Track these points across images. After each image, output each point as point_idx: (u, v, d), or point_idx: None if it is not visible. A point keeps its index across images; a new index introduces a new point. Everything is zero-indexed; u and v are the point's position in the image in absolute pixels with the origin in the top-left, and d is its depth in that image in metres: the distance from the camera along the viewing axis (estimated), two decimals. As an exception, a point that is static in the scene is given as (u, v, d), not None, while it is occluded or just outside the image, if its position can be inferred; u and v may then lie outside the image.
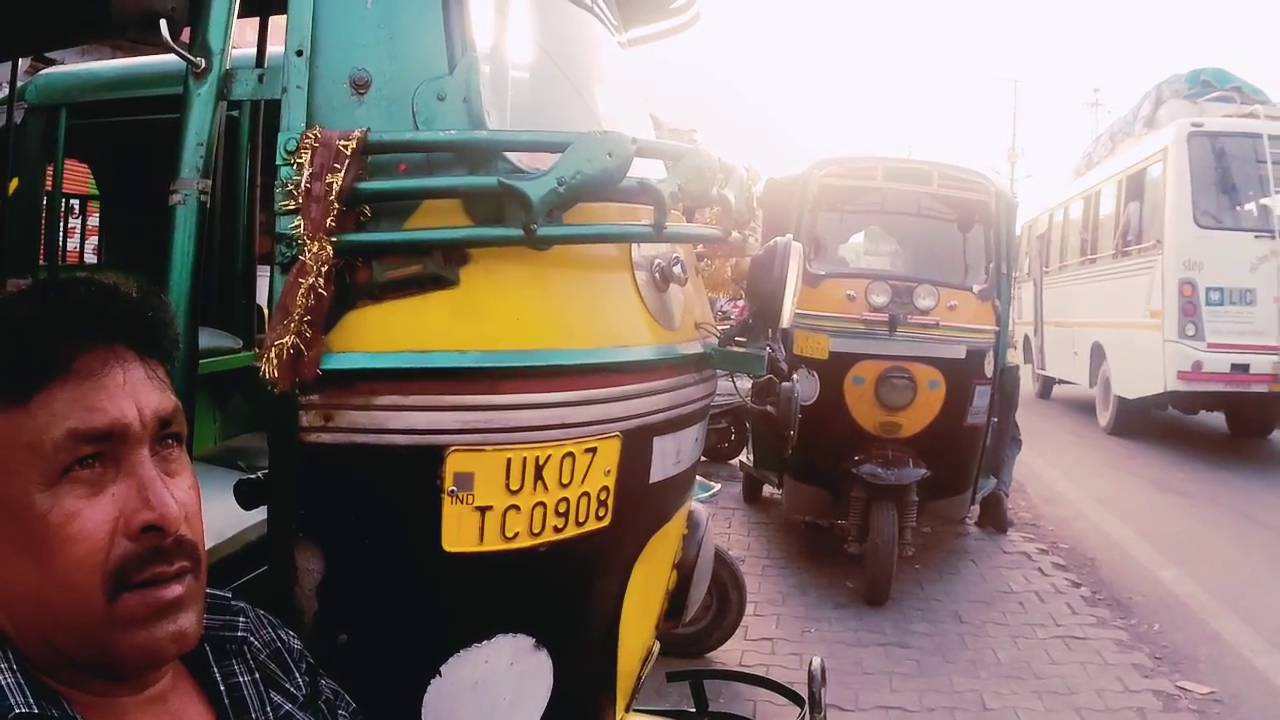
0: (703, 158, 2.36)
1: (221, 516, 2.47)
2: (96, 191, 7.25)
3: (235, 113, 4.08)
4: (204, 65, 2.23)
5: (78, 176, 7.60)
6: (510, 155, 2.20)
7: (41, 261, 5.54)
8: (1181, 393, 12.93)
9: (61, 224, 6.37)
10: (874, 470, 7.19)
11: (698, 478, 5.67)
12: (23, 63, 5.46)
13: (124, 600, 1.30)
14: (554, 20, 2.78)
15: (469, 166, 2.15)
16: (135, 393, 1.36)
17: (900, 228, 9.93)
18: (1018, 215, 8.80)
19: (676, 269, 2.56)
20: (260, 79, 2.28)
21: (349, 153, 2.00)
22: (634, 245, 2.46)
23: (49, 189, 5.19)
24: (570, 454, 2.24)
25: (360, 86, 2.14)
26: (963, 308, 7.46)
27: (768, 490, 9.53)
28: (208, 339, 3.70)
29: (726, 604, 6.06)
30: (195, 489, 1.44)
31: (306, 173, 2.00)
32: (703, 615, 6.04)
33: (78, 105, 5.15)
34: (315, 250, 1.96)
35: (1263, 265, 12.55)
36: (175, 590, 1.34)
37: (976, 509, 9.03)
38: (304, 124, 2.09)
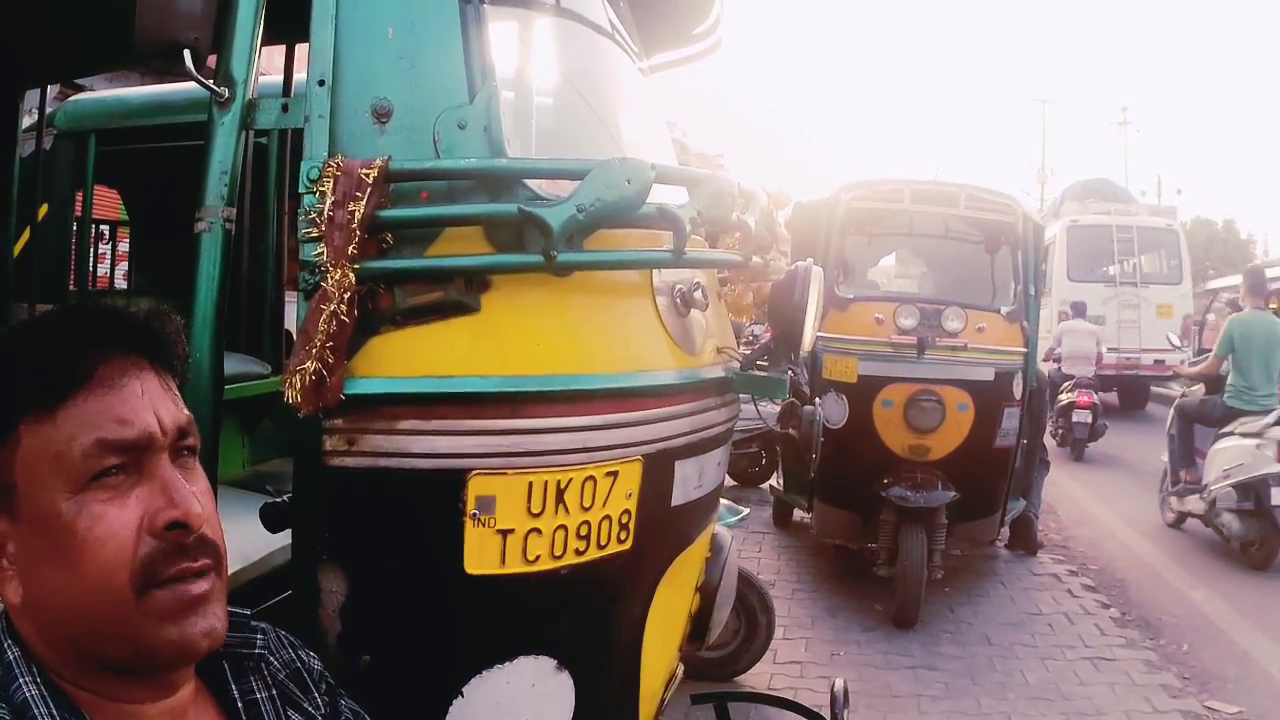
0: (722, 183, 2.38)
1: (249, 540, 2.50)
2: (127, 217, 7.29)
3: (264, 139, 4.11)
4: (228, 95, 2.26)
5: (108, 202, 7.66)
6: (530, 182, 2.22)
7: (72, 287, 5.60)
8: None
9: (91, 249, 6.43)
10: (903, 493, 7.19)
11: (726, 502, 5.69)
12: (50, 89, 5.53)
13: (154, 596, 1.33)
14: (575, 48, 2.79)
15: (490, 194, 2.17)
16: (155, 404, 1.40)
17: (928, 250, 9.92)
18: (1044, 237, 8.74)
19: (697, 294, 2.57)
20: (284, 108, 2.31)
21: (371, 181, 2.02)
22: (655, 271, 2.47)
23: (79, 215, 5.25)
24: (591, 477, 2.25)
25: (382, 116, 2.17)
26: (991, 329, 7.46)
27: (798, 514, 9.48)
28: (236, 364, 3.73)
29: (755, 627, 6.05)
30: (210, 496, 1.47)
31: (329, 201, 2.03)
32: (731, 639, 6.05)
33: (107, 131, 5.20)
34: (338, 277, 1.99)
35: (1109, 302, 19.77)
36: (202, 586, 1.38)
37: (1007, 531, 8.95)
38: (326, 153, 2.13)
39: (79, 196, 5.46)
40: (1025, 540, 9.28)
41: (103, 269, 8.29)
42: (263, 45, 2.35)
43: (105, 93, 5.84)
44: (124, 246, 8.11)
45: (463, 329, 2.14)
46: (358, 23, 2.21)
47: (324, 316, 1.98)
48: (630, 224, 2.25)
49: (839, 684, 3.43)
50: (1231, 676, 6.33)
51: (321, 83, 2.17)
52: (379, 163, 2.05)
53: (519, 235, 2.14)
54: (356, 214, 2.00)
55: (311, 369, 1.98)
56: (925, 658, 6.57)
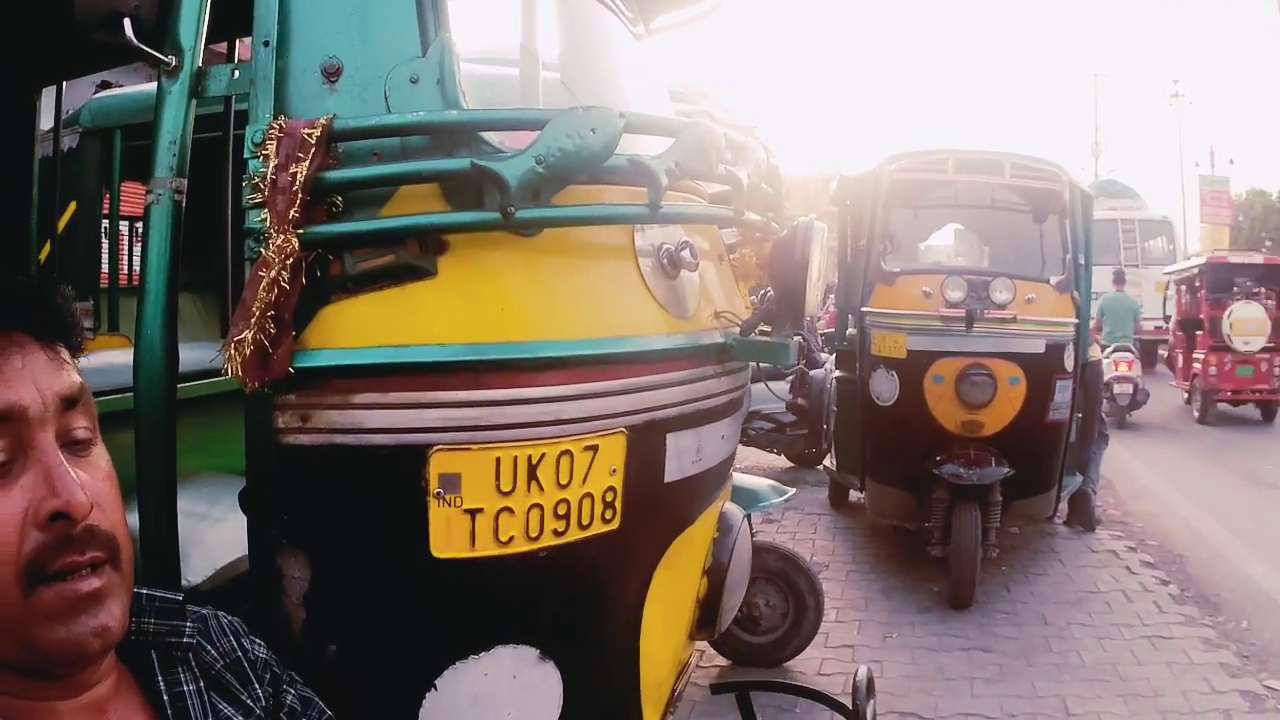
0: (704, 133, 2.23)
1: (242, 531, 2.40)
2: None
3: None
4: (175, 63, 2.16)
5: (142, 199, 7.64)
6: (491, 138, 2.09)
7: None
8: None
9: (123, 246, 6.40)
10: (956, 470, 7.10)
11: (771, 482, 5.57)
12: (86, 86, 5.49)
13: (41, 594, 1.27)
14: (557, 9, 2.66)
15: (445, 151, 2.04)
16: (35, 376, 1.33)
17: (974, 221, 9.80)
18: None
19: (685, 254, 2.41)
20: (234, 74, 2.20)
21: (314, 141, 1.91)
22: (637, 230, 2.34)
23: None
24: (567, 451, 2.12)
25: (331, 75, 2.06)
26: (1041, 301, 7.33)
27: (854, 495, 9.41)
28: None
29: (803, 611, 5.97)
30: (111, 479, 1.41)
31: (272, 164, 1.92)
32: (780, 623, 5.99)
33: (134, 128, 5.16)
34: (279, 243, 1.87)
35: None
36: (93, 583, 1.31)
37: (1065, 507, 8.89)
38: (271, 116, 2.01)
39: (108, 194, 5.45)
40: (1083, 516, 9.21)
41: (137, 265, 8.27)
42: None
43: (131, 89, 5.80)
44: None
45: (419, 295, 2.02)
46: None
47: (263, 284, 1.87)
48: (600, 179, 2.12)
49: (861, 673, 3.28)
50: (1290, 654, 6.18)
51: (266, 43, 2.06)
52: (323, 121, 1.94)
53: (478, 194, 2.01)
54: (298, 176, 1.89)
55: (250, 339, 1.86)
56: (980, 639, 6.49)
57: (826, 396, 2.66)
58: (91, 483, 1.34)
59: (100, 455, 1.41)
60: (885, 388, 7.32)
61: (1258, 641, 6.44)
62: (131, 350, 2.15)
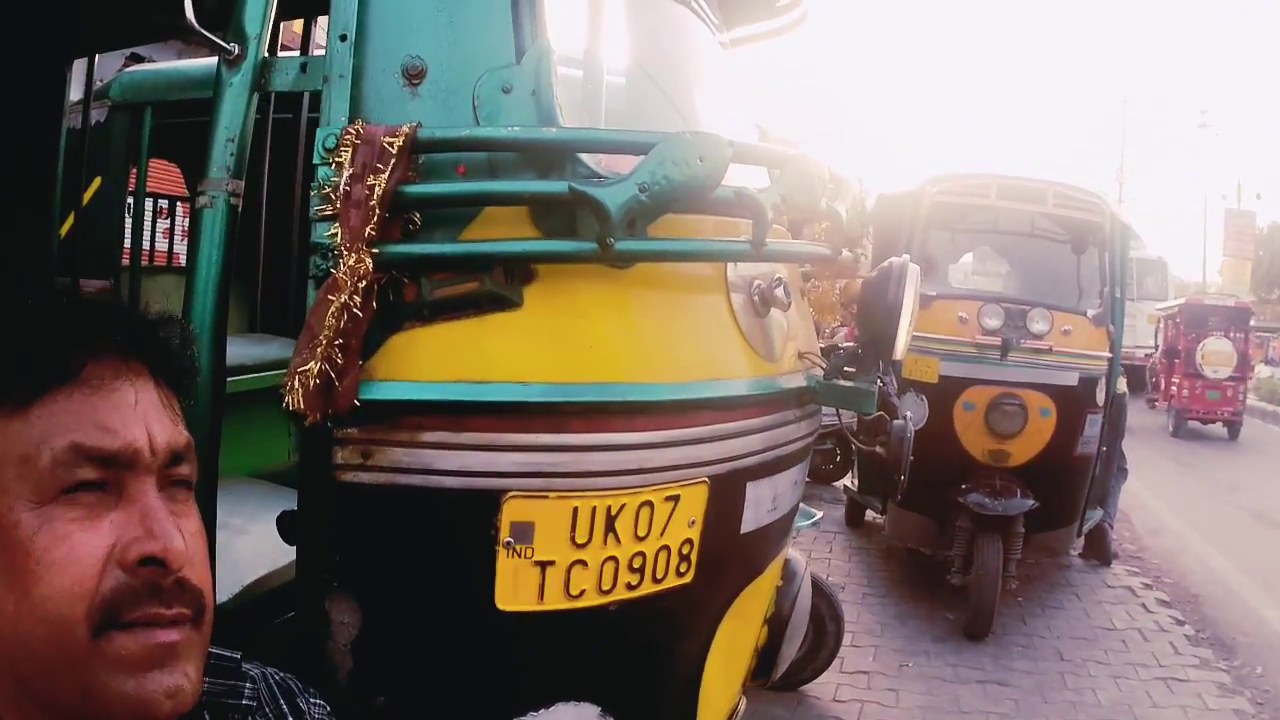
0: (811, 166, 2.08)
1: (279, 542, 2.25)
2: (190, 193, 7.13)
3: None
4: (237, 52, 2.01)
5: (171, 177, 7.49)
6: (587, 159, 1.94)
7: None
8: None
9: (149, 225, 6.28)
10: (981, 500, 6.95)
11: (800, 505, 5.44)
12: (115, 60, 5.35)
13: (112, 639, 1.14)
14: (644, 14, 2.52)
15: (538, 170, 1.90)
16: (148, 417, 1.22)
17: (1012, 248, 9.64)
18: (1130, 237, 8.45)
19: (779, 291, 2.27)
20: (303, 68, 2.05)
21: (394, 151, 1.76)
22: (730, 264, 2.19)
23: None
24: (648, 502, 1.99)
25: (414, 76, 1.92)
26: (1076, 333, 7.20)
27: (871, 515, 9.32)
28: (279, 349, 3.56)
29: (823, 636, 5.83)
30: (202, 536, 1.28)
31: (346, 173, 1.77)
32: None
33: (164, 104, 5.02)
34: (352, 263, 1.72)
35: None
36: (172, 636, 1.18)
37: (1081, 540, 8.76)
38: (346, 118, 1.87)
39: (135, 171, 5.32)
40: (1100, 550, 9.10)
41: (163, 244, 8.13)
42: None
43: (163, 65, 5.66)
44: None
45: (501, 327, 1.88)
46: None
47: (332, 309, 1.72)
48: (702, 209, 1.97)
49: None
50: (1305, 705, 6.18)
51: (344, 37, 1.92)
52: (405, 129, 1.78)
53: (571, 219, 1.87)
54: (377, 189, 1.73)
55: (315, 370, 1.71)
56: (996, 672, 6.38)
57: (906, 448, 2.53)
58: (187, 535, 1.22)
59: (194, 511, 1.28)
60: (914, 411, 7.10)
61: (1271, 689, 6.34)
62: None
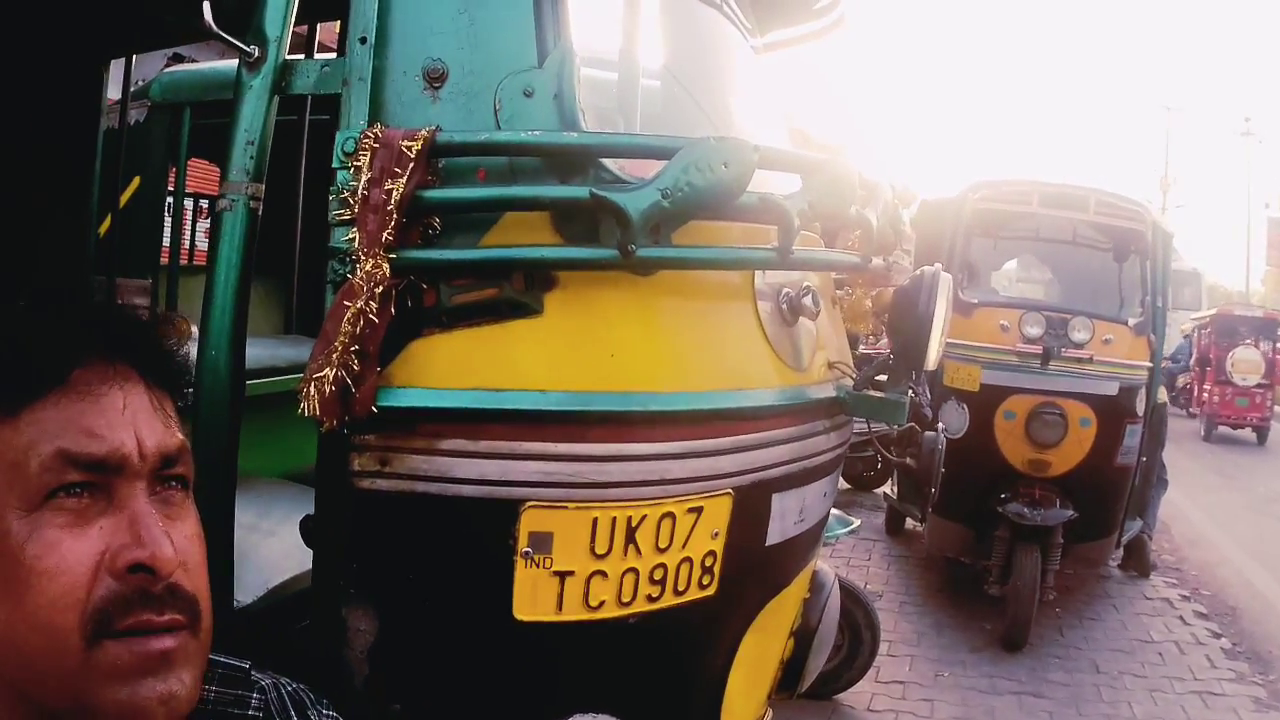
0: (840, 171, 2.04)
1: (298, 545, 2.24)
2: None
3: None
4: (257, 54, 1.99)
5: (211, 177, 7.54)
6: (610, 164, 1.90)
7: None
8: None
9: (189, 224, 6.31)
10: (1020, 510, 6.89)
11: (836, 512, 5.40)
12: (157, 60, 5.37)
13: (105, 647, 1.13)
14: (673, 17, 2.48)
15: (559, 175, 1.87)
16: (136, 421, 1.21)
17: (1053, 256, 9.55)
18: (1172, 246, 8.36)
19: (807, 300, 2.23)
20: (323, 70, 2.02)
21: (413, 155, 1.74)
22: (758, 272, 2.15)
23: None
24: (670, 514, 1.95)
25: (435, 79, 1.90)
26: (1118, 342, 7.13)
27: (910, 523, 9.27)
28: (302, 349, 3.50)
29: (859, 645, 5.80)
30: (199, 540, 1.27)
31: (364, 177, 1.75)
32: (834, 655, 5.74)
33: (204, 105, 5.03)
34: (368, 268, 1.69)
35: None
36: (166, 643, 1.17)
37: (1120, 550, 8.66)
38: (365, 121, 1.85)
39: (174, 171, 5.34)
40: (1139, 561, 9.01)
41: (204, 244, 8.19)
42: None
43: (203, 65, 5.68)
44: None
45: (521, 334, 1.85)
46: None
47: (348, 315, 1.69)
48: (727, 215, 1.92)
49: None
50: (1341, 721, 6.11)
51: (363, 40, 1.90)
52: (424, 133, 1.76)
53: (593, 225, 1.84)
54: (394, 193, 1.71)
55: (331, 376, 1.68)
56: (1032, 683, 6.31)
57: (937, 459, 2.50)
58: (179, 540, 1.21)
59: (190, 513, 1.27)
60: (954, 420, 7.12)
61: (1308, 706, 6.31)
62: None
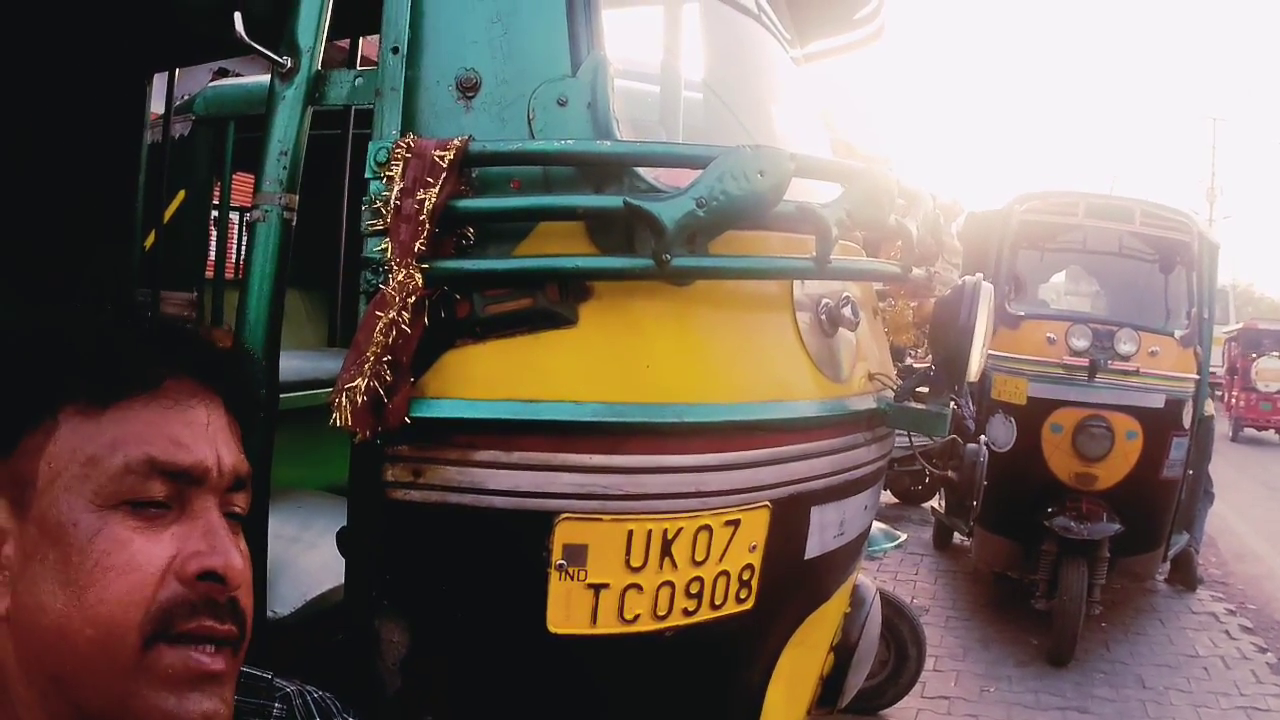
0: (879, 180, 2.01)
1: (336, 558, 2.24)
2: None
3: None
4: (290, 65, 1.99)
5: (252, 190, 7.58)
6: (646, 173, 1.89)
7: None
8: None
9: (231, 237, 6.35)
10: (1066, 524, 6.84)
11: (881, 526, 5.37)
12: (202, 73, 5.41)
13: (160, 651, 1.14)
14: (711, 27, 2.46)
15: (594, 184, 1.86)
16: (218, 440, 1.24)
17: (1100, 267, 9.50)
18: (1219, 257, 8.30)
19: (847, 310, 2.21)
20: (356, 81, 2.03)
21: (445, 164, 1.73)
22: (797, 282, 2.13)
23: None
24: (706, 527, 1.92)
25: (468, 89, 1.89)
26: (1164, 354, 7.08)
27: (958, 537, 9.23)
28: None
29: (904, 660, 5.77)
30: (250, 564, 1.26)
31: (397, 187, 1.74)
32: (879, 670, 5.76)
33: (249, 119, 5.06)
34: (401, 278, 1.68)
35: None
36: (218, 663, 1.18)
37: (1167, 564, 8.56)
38: (399, 132, 1.84)
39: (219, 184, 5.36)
40: (1185, 575, 8.95)
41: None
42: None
43: (247, 79, 5.71)
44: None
45: (556, 345, 1.84)
46: None
47: (380, 325, 1.68)
48: (764, 225, 1.91)
49: None
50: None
51: (395, 50, 1.89)
52: (456, 143, 1.75)
53: (628, 235, 1.82)
54: (427, 203, 1.70)
55: (363, 387, 1.67)
56: (1077, 699, 6.25)
57: (979, 472, 2.47)
58: (243, 558, 1.23)
59: (242, 539, 1.27)
60: (1002, 433, 7.11)
61: (1355, 722, 6.24)
62: None
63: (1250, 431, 23.62)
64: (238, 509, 1.27)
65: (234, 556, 1.19)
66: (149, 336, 1.26)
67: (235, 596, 1.20)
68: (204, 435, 1.22)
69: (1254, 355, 23.66)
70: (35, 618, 1.14)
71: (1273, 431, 23.64)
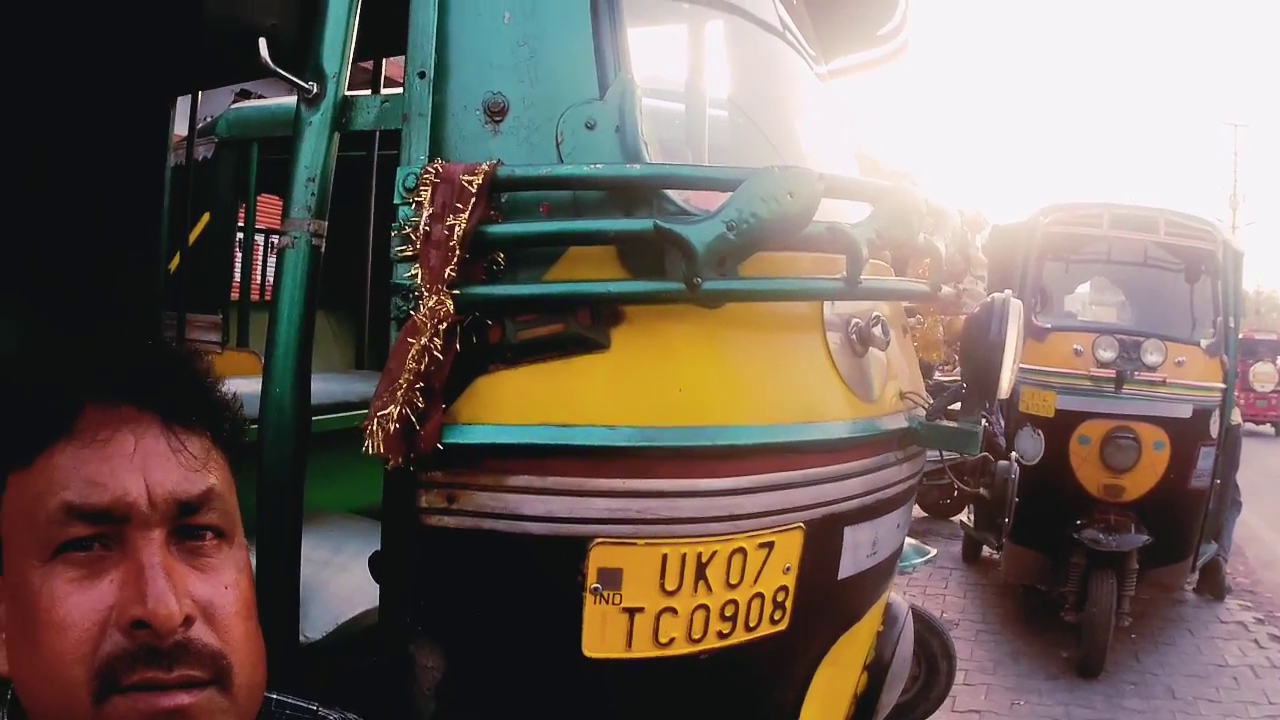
0: (907, 199, 2.00)
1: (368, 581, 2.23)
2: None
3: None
4: (316, 90, 1.98)
5: (277, 211, 7.63)
6: (675, 196, 1.87)
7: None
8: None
9: (256, 259, 6.37)
10: (1095, 535, 6.86)
11: (912, 541, 5.34)
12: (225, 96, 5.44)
13: (114, 703, 1.09)
14: (735, 45, 2.46)
15: (623, 208, 1.85)
16: (146, 466, 1.16)
17: (1125, 278, 9.47)
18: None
19: (877, 330, 2.19)
20: (383, 106, 2.02)
21: (474, 189, 1.72)
22: (827, 303, 2.12)
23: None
24: (741, 549, 1.91)
25: (495, 113, 1.88)
26: (1190, 364, 7.10)
27: (987, 551, 9.23)
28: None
29: (935, 675, 5.71)
30: (235, 589, 1.21)
31: (426, 213, 1.73)
32: (910, 685, 5.70)
33: (272, 141, 5.07)
34: (432, 304, 1.68)
35: None
36: (179, 699, 1.11)
37: (1195, 573, 8.58)
38: (426, 157, 1.84)
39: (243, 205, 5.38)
40: (1213, 585, 8.91)
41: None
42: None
43: (269, 101, 5.73)
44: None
45: (588, 369, 1.83)
46: (467, 3, 1.92)
47: (412, 352, 1.68)
48: (794, 246, 1.89)
49: None
50: None
51: (422, 74, 1.88)
52: (485, 167, 1.75)
53: (659, 259, 1.81)
54: (456, 229, 1.69)
55: (395, 414, 1.67)
56: (1107, 711, 6.26)
57: (1010, 489, 2.45)
58: (204, 591, 1.16)
59: (228, 560, 1.21)
60: (1030, 446, 7.12)
61: (1381, 729, 6.20)
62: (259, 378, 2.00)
63: (1249, 425, 25.00)
64: (207, 531, 1.20)
65: (163, 601, 1.10)
66: (53, 373, 1.21)
67: (184, 639, 1.12)
68: (125, 466, 1.14)
69: (1251, 361, 26.19)
70: (18, 675, 1.15)
71: (1268, 425, 27.23)
